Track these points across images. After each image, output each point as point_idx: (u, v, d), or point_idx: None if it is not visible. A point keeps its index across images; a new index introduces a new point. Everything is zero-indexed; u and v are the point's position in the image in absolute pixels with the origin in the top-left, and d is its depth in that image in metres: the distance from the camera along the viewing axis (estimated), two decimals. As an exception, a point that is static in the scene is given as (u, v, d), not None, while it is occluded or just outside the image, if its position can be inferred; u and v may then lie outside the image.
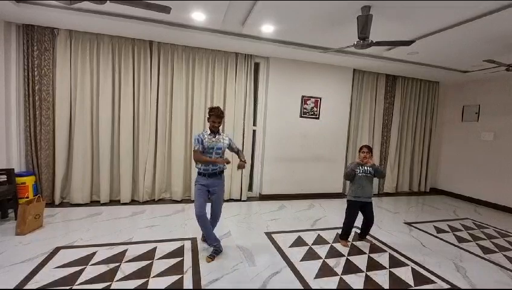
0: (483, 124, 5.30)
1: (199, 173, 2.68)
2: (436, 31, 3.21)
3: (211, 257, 2.55)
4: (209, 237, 2.65)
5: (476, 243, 3.31)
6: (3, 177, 3.20)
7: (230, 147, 2.81)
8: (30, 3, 2.97)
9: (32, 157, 3.67)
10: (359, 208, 3.03)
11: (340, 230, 3.14)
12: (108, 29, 3.62)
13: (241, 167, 2.71)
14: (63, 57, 3.68)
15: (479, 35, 3.19)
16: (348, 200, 3.08)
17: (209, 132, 2.67)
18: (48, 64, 3.64)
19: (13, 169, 3.28)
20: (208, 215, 2.67)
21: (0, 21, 3.36)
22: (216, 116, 2.60)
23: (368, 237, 3.21)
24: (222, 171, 2.74)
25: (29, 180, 3.56)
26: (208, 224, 2.60)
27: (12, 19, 3.38)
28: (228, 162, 2.64)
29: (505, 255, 3.02)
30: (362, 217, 3.11)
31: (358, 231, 3.24)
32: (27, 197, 3.43)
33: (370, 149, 2.98)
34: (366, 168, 2.95)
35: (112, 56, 3.87)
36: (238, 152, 2.85)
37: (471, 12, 2.71)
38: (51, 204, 3.76)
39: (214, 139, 2.65)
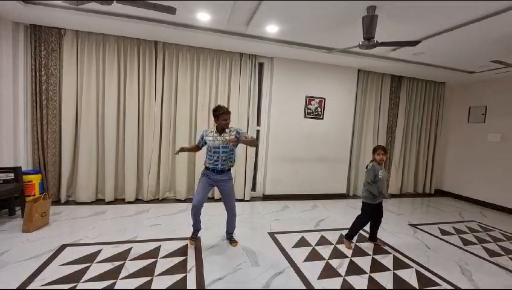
0: (490, 125, 5.24)
1: (206, 168, 2.70)
2: (442, 31, 3.17)
3: (194, 239, 2.81)
4: (194, 224, 2.79)
5: (482, 246, 3.27)
6: (11, 175, 3.25)
7: (238, 139, 2.63)
8: (37, 3, 3.01)
9: (39, 156, 3.73)
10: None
11: (345, 231, 3.12)
12: (114, 30, 3.65)
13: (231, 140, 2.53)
14: (70, 57, 3.73)
15: (486, 35, 3.15)
16: (366, 204, 2.97)
17: (215, 130, 2.67)
18: (55, 64, 3.69)
19: (20, 167, 3.33)
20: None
21: (8, 21, 3.42)
22: (226, 113, 2.60)
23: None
24: (229, 169, 2.76)
25: (35, 179, 3.61)
26: (199, 216, 2.74)
27: (20, 19, 3.43)
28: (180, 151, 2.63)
29: (511, 258, 2.98)
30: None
31: (366, 235, 3.22)
32: (34, 195, 3.48)
33: (385, 150, 2.94)
34: (384, 171, 2.92)
35: (118, 56, 3.90)
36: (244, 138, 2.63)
37: (478, 12, 2.68)
38: (56, 202, 3.81)
39: (219, 138, 2.64)
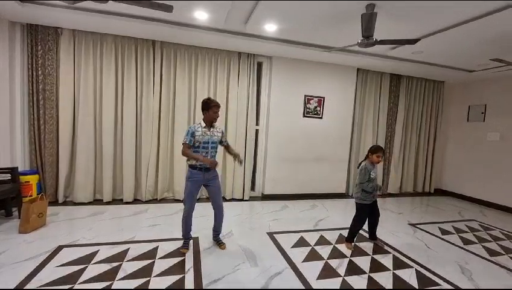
0: (490, 124, 5.22)
1: (193, 167, 2.59)
2: (441, 29, 3.16)
3: (186, 248, 2.67)
4: (187, 232, 2.73)
5: (482, 245, 3.26)
6: (8, 176, 3.22)
7: (220, 141, 2.77)
8: (34, 2, 2.98)
9: (36, 156, 3.70)
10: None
11: (346, 232, 3.10)
12: (111, 29, 3.63)
13: (241, 161, 2.76)
14: (67, 56, 3.70)
15: (485, 34, 3.14)
16: (361, 204, 2.93)
17: (203, 124, 2.60)
18: (52, 63, 3.66)
19: (17, 167, 3.31)
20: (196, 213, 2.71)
21: (5, 21, 3.39)
22: (217, 106, 2.59)
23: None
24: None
25: (33, 179, 3.58)
26: (191, 222, 2.73)
27: (17, 18, 3.40)
28: (216, 165, 2.57)
29: (511, 258, 2.97)
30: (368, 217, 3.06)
31: (366, 235, 3.20)
32: (31, 196, 3.43)
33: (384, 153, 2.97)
34: (376, 170, 2.92)
35: (115, 56, 3.88)
36: (227, 146, 2.83)
37: (476, 11, 2.66)
38: (54, 203, 3.79)
39: (208, 132, 2.60)
